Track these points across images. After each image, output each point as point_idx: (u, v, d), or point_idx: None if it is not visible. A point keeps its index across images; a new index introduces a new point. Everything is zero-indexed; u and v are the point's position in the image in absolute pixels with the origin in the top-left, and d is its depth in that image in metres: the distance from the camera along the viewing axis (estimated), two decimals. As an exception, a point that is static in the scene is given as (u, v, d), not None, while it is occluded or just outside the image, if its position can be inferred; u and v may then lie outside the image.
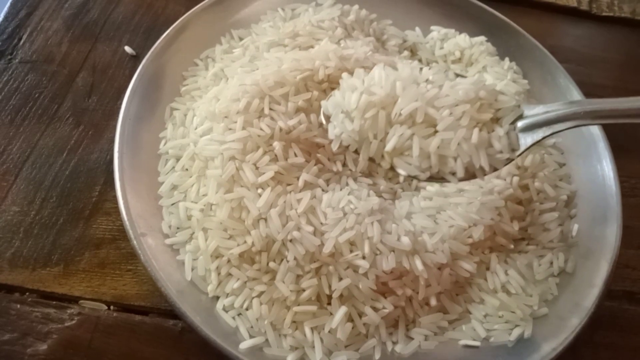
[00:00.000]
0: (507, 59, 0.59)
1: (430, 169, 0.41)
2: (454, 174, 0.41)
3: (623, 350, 0.48)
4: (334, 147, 0.44)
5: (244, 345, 0.39)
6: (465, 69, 0.59)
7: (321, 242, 0.41)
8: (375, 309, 0.41)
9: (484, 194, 0.48)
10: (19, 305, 0.43)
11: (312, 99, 0.48)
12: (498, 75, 0.56)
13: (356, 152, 0.44)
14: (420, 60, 0.60)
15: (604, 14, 0.74)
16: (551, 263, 0.47)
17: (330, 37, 0.55)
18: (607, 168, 0.52)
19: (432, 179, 0.42)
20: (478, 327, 0.44)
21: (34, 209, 0.47)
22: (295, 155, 0.46)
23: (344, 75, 0.46)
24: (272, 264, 0.42)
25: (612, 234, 0.48)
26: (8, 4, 0.60)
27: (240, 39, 0.57)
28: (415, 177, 0.42)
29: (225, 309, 0.41)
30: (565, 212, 0.51)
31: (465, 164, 0.40)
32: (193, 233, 0.44)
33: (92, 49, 0.58)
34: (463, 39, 0.60)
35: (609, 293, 0.46)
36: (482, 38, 0.60)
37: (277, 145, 0.45)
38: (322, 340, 0.41)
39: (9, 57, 0.56)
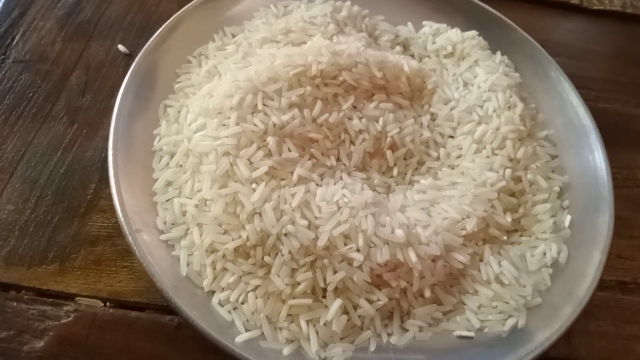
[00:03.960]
0: (498, 52, 0.60)
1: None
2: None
3: (617, 339, 0.49)
4: None
5: (240, 338, 0.40)
6: (457, 63, 0.59)
7: (316, 235, 0.41)
8: (370, 301, 0.42)
9: (476, 186, 0.48)
10: (15, 303, 0.43)
11: (305, 95, 0.48)
12: (490, 69, 0.57)
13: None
14: (412, 55, 0.61)
15: (594, 7, 0.75)
16: (544, 254, 0.47)
17: (322, 33, 0.55)
18: (599, 159, 0.53)
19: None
20: (472, 318, 0.44)
21: (29, 207, 0.47)
22: (289, 150, 0.46)
23: None
24: (267, 258, 0.42)
25: (604, 224, 0.48)
26: (1, 4, 0.60)
27: (233, 35, 0.57)
28: None
29: (220, 304, 0.42)
30: (557, 204, 0.51)
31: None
32: (188, 228, 0.44)
33: (85, 48, 0.58)
34: (455, 34, 0.60)
35: (602, 283, 0.46)
36: (473, 32, 0.60)
37: (270, 140, 0.45)
38: (317, 332, 0.41)
39: (2, 56, 0.56)
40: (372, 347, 0.41)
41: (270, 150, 0.45)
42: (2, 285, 0.43)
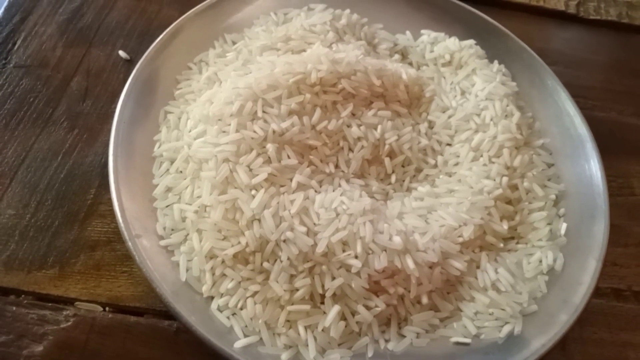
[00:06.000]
0: (496, 61, 0.60)
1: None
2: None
3: (611, 346, 0.49)
4: None
5: (239, 344, 0.40)
6: (455, 71, 0.60)
7: (314, 242, 0.42)
8: (367, 308, 0.42)
9: (473, 194, 0.49)
10: (14, 308, 0.43)
11: (305, 102, 0.48)
12: (487, 78, 0.57)
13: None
14: (411, 64, 0.61)
15: (591, 17, 0.76)
16: (540, 261, 0.48)
17: (322, 41, 0.56)
18: (594, 168, 0.53)
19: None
20: (469, 325, 0.44)
21: (29, 212, 0.48)
22: (289, 157, 0.46)
23: None
24: (265, 264, 0.42)
25: (599, 232, 0.49)
26: (2, 9, 0.60)
27: (234, 43, 0.58)
28: None
29: (219, 309, 0.42)
30: (553, 211, 0.51)
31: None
32: (187, 234, 0.44)
33: (86, 54, 0.59)
34: (453, 43, 0.61)
35: (597, 290, 0.47)
36: (471, 41, 0.61)
37: (270, 147, 0.45)
38: (315, 338, 0.41)
39: (4, 61, 0.56)
40: (370, 353, 0.42)
41: (269, 157, 0.45)
42: (2, 290, 0.44)
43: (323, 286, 0.42)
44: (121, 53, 0.59)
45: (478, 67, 0.59)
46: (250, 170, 0.44)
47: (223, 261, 0.43)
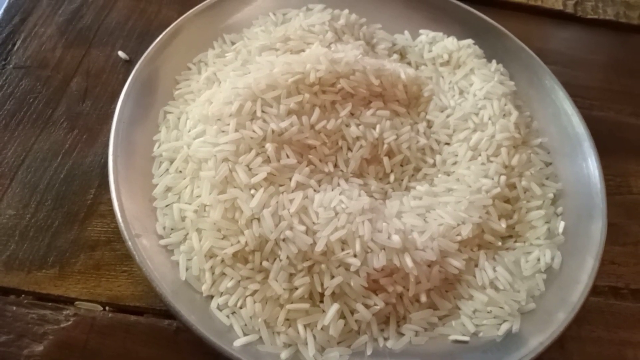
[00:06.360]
0: (494, 61, 0.61)
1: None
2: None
3: (609, 344, 0.49)
4: None
5: (238, 343, 0.40)
6: (453, 71, 0.60)
7: (313, 241, 0.42)
8: (366, 306, 0.42)
9: (472, 192, 0.49)
10: (14, 307, 0.43)
11: (304, 102, 0.49)
12: (485, 77, 0.57)
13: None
14: (409, 64, 0.61)
15: (588, 16, 0.76)
16: (538, 260, 0.48)
17: (321, 41, 0.56)
18: (592, 167, 0.54)
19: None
20: (467, 323, 0.44)
21: (29, 212, 0.48)
22: (288, 156, 0.46)
23: None
24: (265, 263, 0.42)
25: (597, 231, 0.49)
26: (2, 10, 0.60)
27: (233, 43, 0.58)
28: None
29: (219, 308, 0.42)
30: (551, 210, 0.52)
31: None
32: (187, 234, 0.44)
33: (85, 54, 0.59)
34: (451, 42, 0.61)
35: (595, 289, 0.47)
36: (469, 41, 0.61)
37: (269, 147, 0.45)
38: (314, 337, 0.41)
39: (3, 62, 0.56)
40: (369, 352, 0.42)
41: (268, 157, 0.45)
42: (2, 290, 0.44)
43: (322, 285, 0.42)
44: (121, 53, 0.59)
45: (476, 67, 0.59)
46: (250, 169, 0.45)
47: (222, 260, 0.43)
